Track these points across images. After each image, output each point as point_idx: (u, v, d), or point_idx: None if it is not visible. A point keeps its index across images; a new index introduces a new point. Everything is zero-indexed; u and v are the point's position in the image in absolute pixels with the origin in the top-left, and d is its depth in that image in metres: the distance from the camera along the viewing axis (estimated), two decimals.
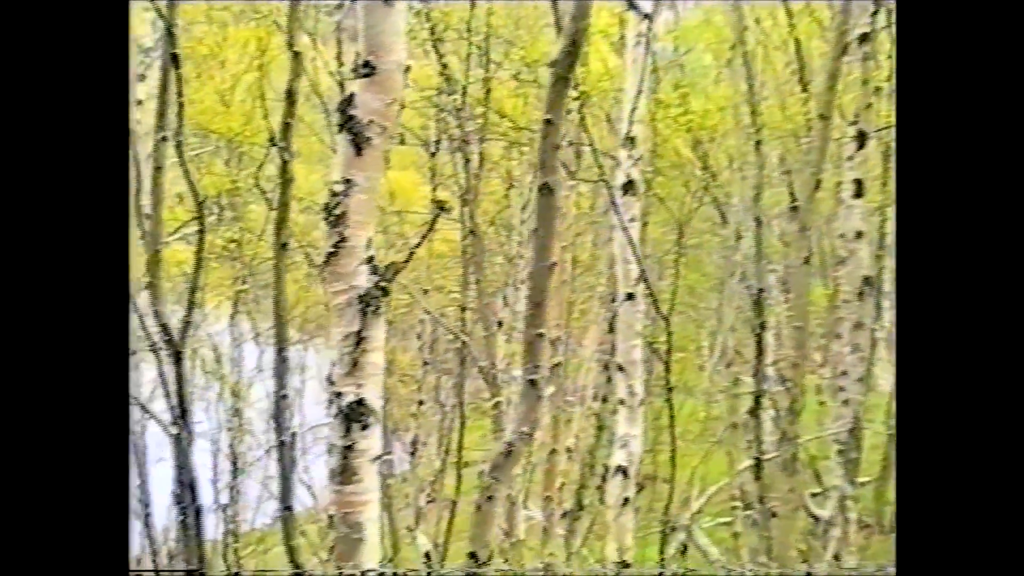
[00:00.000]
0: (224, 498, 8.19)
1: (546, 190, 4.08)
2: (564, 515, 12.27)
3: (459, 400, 12.54)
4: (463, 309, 12.29)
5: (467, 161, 10.81)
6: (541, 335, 4.30)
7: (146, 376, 8.11)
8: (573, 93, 7.59)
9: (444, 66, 9.98)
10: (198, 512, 4.66)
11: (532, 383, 4.31)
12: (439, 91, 10.40)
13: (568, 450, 12.98)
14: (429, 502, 13.55)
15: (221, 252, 12.23)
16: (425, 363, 14.29)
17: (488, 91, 10.27)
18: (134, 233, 4.78)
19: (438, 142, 11.60)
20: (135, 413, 5.61)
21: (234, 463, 11.66)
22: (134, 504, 6.65)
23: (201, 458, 16.16)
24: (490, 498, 4.44)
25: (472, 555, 4.52)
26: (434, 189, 11.47)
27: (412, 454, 14.23)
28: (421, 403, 14.01)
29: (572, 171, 10.45)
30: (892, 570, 3.53)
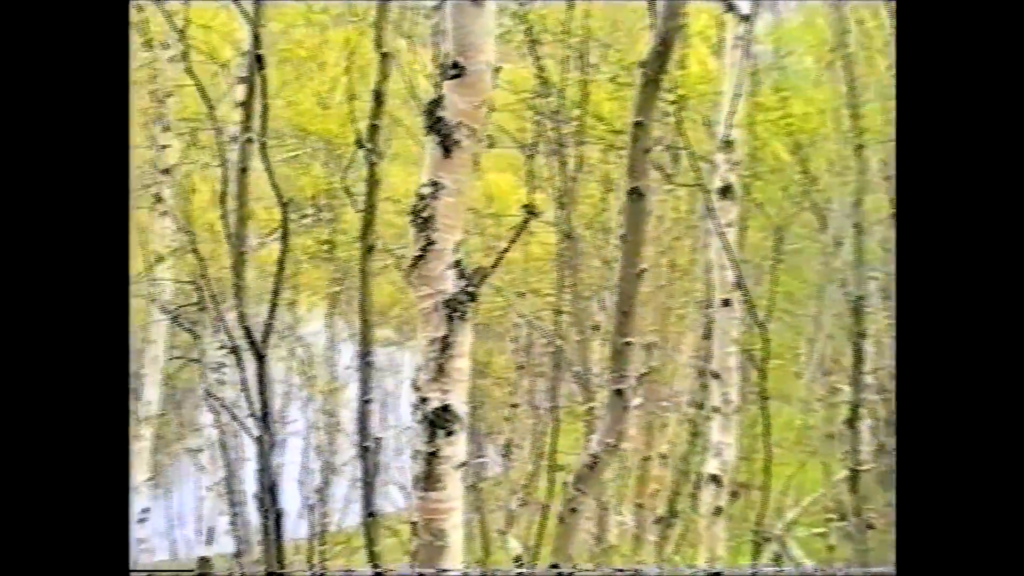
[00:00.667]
0: (313, 499, 8.23)
1: (636, 195, 4.00)
2: (656, 521, 12.16)
3: (553, 404, 12.49)
4: (558, 313, 12.23)
5: (563, 164, 10.76)
6: (629, 343, 4.22)
7: (232, 378, 8.21)
8: (670, 96, 7.49)
9: (541, 68, 9.94)
10: (278, 516, 4.64)
11: (618, 393, 4.24)
12: (536, 94, 10.36)
13: (662, 456, 12.86)
14: (521, 505, 13.50)
15: (316, 253, 12.34)
16: (519, 366, 14.25)
17: (585, 94, 10.20)
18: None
19: (535, 145, 11.55)
20: (223, 416, 5.64)
21: (324, 464, 11.75)
22: (225, 503, 6.70)
23: (293, 457, 16.38)
24: (573, 510, 4.38)
25: (554, 566, 4.45)
26: (531, 192, 11.43)
27: (505, 457, 14.19)
28: (515, 406, 13.97)
29: (669, 175, 10.34)
30: (892, 570, 3.48)
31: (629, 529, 12.06)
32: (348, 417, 13.19)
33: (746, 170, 10.21)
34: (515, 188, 14.34)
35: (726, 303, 7.34)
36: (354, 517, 11.29)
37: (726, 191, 7.29)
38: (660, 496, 12.60)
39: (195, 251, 6.02)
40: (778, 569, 5.71)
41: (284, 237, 4.96)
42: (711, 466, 7.47)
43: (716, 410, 7.51)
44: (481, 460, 14.18)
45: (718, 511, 7.41)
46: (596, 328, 11.76)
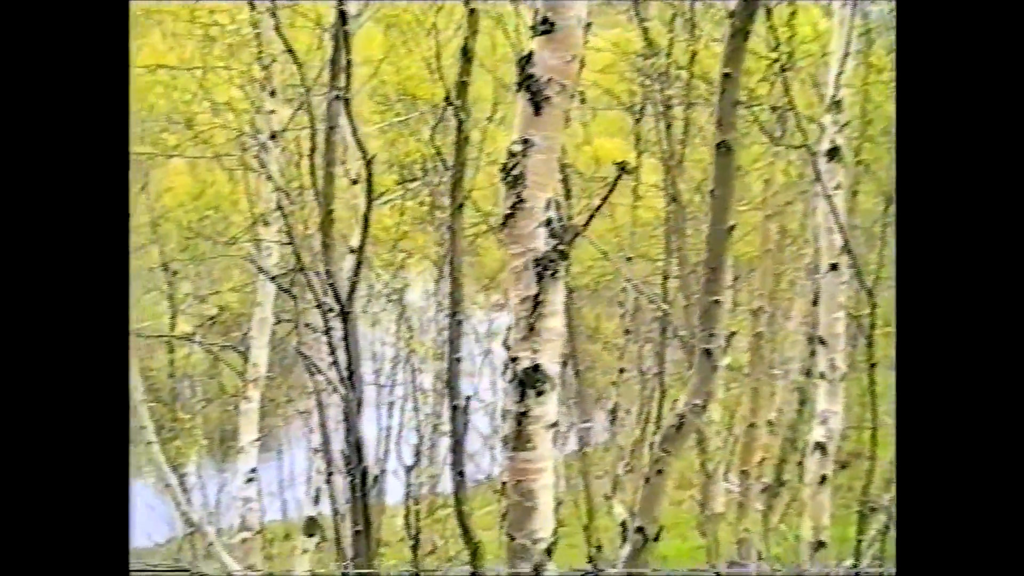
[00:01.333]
0: (412, 462, 8.29)
1: (724, 148, 3.90)
2: (763, 490, 12.02)
3: (660, 369, 12.39)
4: (665, 278, 12.11)
5: (670, 127, 10.62)
6: (718, 302, 4.14)
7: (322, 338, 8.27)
8: (776, 56, 7.34)
9: (646, 30, 9.82)
10: (364, 475, 4.66)
11: (707, 353, 4.16)
12: (642, 55, 10.24)
13: (769, 424, 12.69)
14: (627, 471, 13.43)
15: (423, 217, 12.39)
16: (627, 331, 14.13)
17: (692, 54, 10.03)
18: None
19: (642, 108, 11.44)
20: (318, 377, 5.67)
21: (420, 427, 11.82)
22: (317, 464, 6.74)
23: (392, 421, 16.52)
24: (660, 471, 4.32)
25: (640, 529, 4.41)
26: (638, 156, 11.34)
27: (612, 423, 14.12)
28: (622, 371, 13.86)
29: (776, 137, 10.14)
30: (892, 570, 3.43)
31: (735, 497, 11.94)
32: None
33: (857, 133, 9.98)
34: (623, 152, 14.22)
35: (833, 268, 7.18)
36: (449, 482, 11.36)
37: (833, 153, 7.10)
38: (767, 464, 12.46)
39: (288, 212, 6.05)
40: (776, 569, 5.65)
41: (368, 193, 4.95)
42: (817, 434, 7.35)
43: (822, 377, 7.37)
44: (588, 425, 14.12)
45: (823, 480, 7.28)
46: None
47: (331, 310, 4.78)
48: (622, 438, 14.11)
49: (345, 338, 4.61)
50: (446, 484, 15.16)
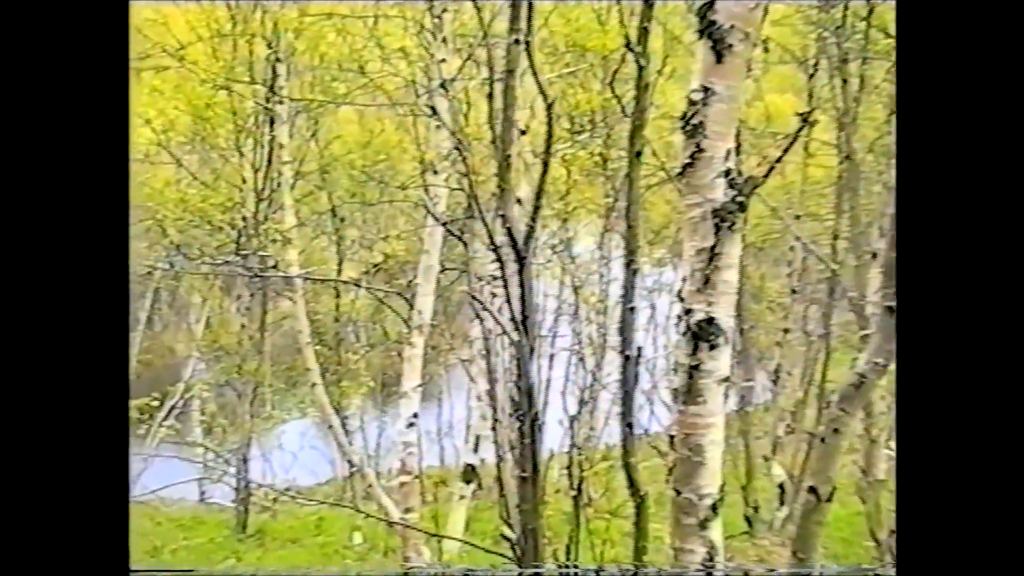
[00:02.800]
0: (576, 412, 8.28)
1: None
2: None
3: (826, 331, 12.15)
4: (835, 237, 11.85)
5: (845, 83, 10.34)
6: None
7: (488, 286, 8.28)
8: None
9: None
10: (534, 421, 4.65)
11: (889, 310, 4.03)
12: (818, 7, 9.97)
13: None
14: (788, 433, 13.26)
15: (591, 170, 12.34)
16: (793, 291, 13.91)
17: (871, 7, 9.68)
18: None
19: (816, 63, 11.16)
20: (487, 322, 5.68)
21: (587, 378, 11.82)
22: (478, 412, 6.77)
23: (559, 372, 16.53)
24: (836, 431, 4.21)
25: (812, 489, 4.31)
26: (809, 112, 11.05)
27: (774, 383, 13.93)
28: (787, 331, 13.65)
29: None
30: (892, 570, 3.37)
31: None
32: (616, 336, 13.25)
33: None
34: (795, 108, 13.92)
35: None
36: (614, 436, 11.35)
37: None
38: None
39: (465, 159, 6.05)
40: (773, 569, 5.50)
41: (548, 137, 4.91)
42: None
43: None
44: (749, 384, 13.96)
45: None
46: (874, 256, 11.33)
47: (497, 260, 4.76)
48: (784, 399, 13.93)
49: (520, 283, 4.59)
50: (604, 438, 15.20)
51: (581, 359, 10.83)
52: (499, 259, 4.78)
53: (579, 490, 5.88)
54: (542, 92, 4.74)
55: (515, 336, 4.58)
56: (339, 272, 15.69)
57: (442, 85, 9.06)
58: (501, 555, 5.31)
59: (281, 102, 12.21)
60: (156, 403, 16.10)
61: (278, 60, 12.29)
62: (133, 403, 14.84)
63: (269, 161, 13.53)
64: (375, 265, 17.01)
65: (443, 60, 9.37)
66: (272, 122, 12.70)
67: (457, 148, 6.67)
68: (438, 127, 9.78)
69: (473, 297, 6.17)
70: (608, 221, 14.78)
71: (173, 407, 17.78)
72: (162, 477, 17.40)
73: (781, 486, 12.29)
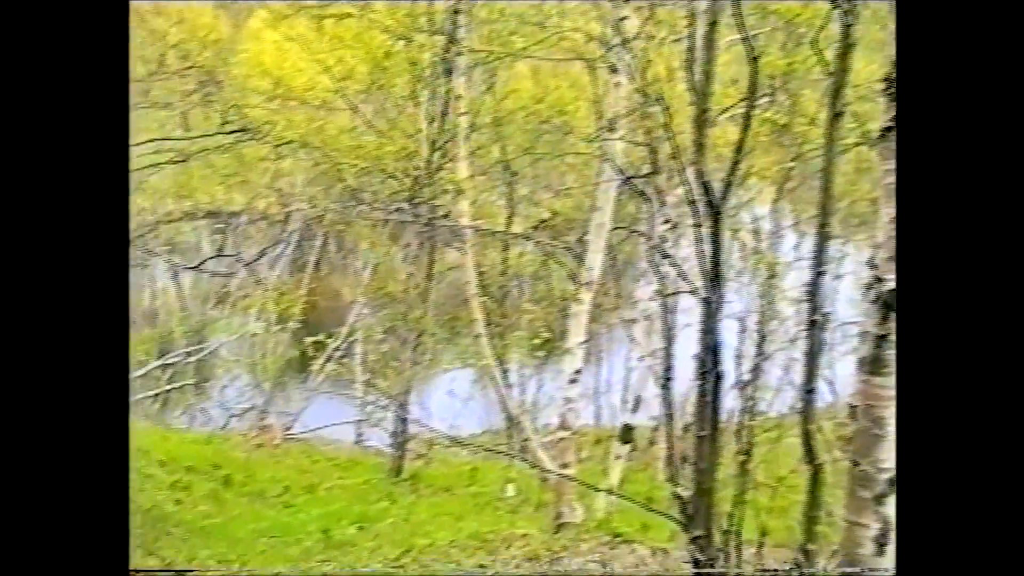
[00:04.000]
0: (746, 378, 8.14)
1: None
2: None
3: None
4: None
5: None
6: None
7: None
8: None
9: None
10: (718, 378, 4.59)
11: None
12: None
13: None
14: None
15: (769, 135, 12.07)
16: None
17: None
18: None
19: None
20: (665, 279, 5.63)
21: (759, 344, 11.62)
22: (656, 369, 6.73)
23: (727, 338, 16.34)
24: None
25: None
26: None
27: None
28: None
29: None
30: (892, 570, 3.42)
31: None
32: (785, 306, 13.02)
33: None
34: None
35: None
36: (781, 405, 11.15)
37: None
38: None
39: (655, 114, 5.98)
40: (770, 569, 5.27)
41: (752, 92, 4.82)
42: None
43: None
44: None
45: None
46: None
47: (695, 204, 4.68)
48: None
49: (714, 239, 4.53)
50: (775, 406, 14.93)
51: (761, 323, 10.65)
52: (695, 214, 4.72)
53: (748, 454, 5.80)
54: (748, 46, 4.64)
55: (705, 292, 4.52)
56: (508, 226, 15.74)
57: (623, 42, 9.00)
58: (666, 515, 5.27)
59: (460, 53, 12.26)
60: (320, 345, 16.46)
61: (458, 11, 12.33)
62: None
63: (444, 112, 13.60)
64: (542, 221, 17.02)
65: (625, 17, 9.29)
66: (450, 73, 12.78)
67: (646, 102, 6.59)
68: (617, 84, 9.71)
69: (659, 251, 6.11)
70: (781, 188, 14.52)
71: (336, 349, 18.13)
72: (321, 417, 17.82)
73: None
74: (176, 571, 6.92)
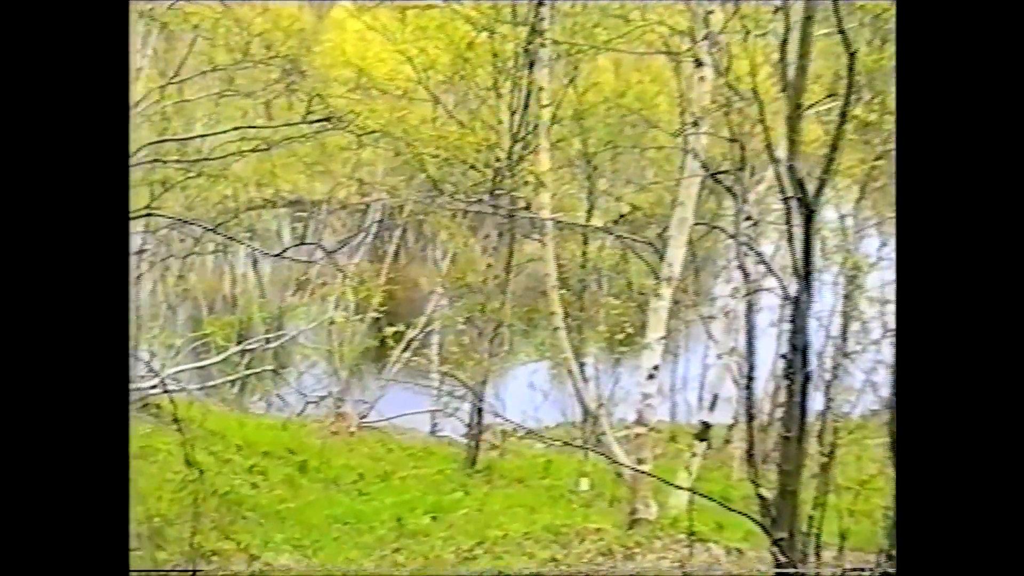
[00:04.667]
0: (827, 379, 8.06)
1: None
2: None
3: None
4: None
5: None
6: None
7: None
8: None
9: None
10: (806, 379, 4.53)
11: None
12: None
13: None
14: None
15: (854, 133, 11.91)
16: None
17: None
18: None
19: None
20: (752, 275, 5.57)
21: (841, 345, 11.49)
22: (740, 367, 6.67)
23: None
24: None
25: None
26: None
27: None
28: None
29: None
30: (892, 570, 3.23)
31: None
32: (866, 306, 12.87)
33: None
34: None
35: None
36: (863, 408, 11.01)
37: None
38: None
39: (732, 111, 5.92)
40: (771, 570, 5.13)
41: (849, 87, 4.75)
42: None
43: None
44: None
45: None
46: None
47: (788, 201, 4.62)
48: None
49: (806, 236, 4.47)
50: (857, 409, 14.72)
51: (846, 323, 10.53)
52: (788, 210, 4.66)
53: (831, 456, 5.72)
54: (845, 41, 4.59)
55: (794, 291, 4.46)
56: (588, 220, 15.68)
57: (707, 36, 8.95)
58: (748, 516, 5.21)
59: (543, 45, 12.23)
60: (398, 334, 16.53)
61: (541, 3, 12.30)
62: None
63: (526, 104, 13.58)
64: (621, 215, 16.94)
65: (711, 12, 9.23)
66: (532, 65, 12.75)
67: (733, 97, 6.53)
68: (701, 79, 9.65)
69: (750, 247, 6.04)
70: (863, 187, 14.33)
71: (413, 339, 18.21)
72: (397, 406, 17.91)
73: None
74: (176, 571, 6.98)
